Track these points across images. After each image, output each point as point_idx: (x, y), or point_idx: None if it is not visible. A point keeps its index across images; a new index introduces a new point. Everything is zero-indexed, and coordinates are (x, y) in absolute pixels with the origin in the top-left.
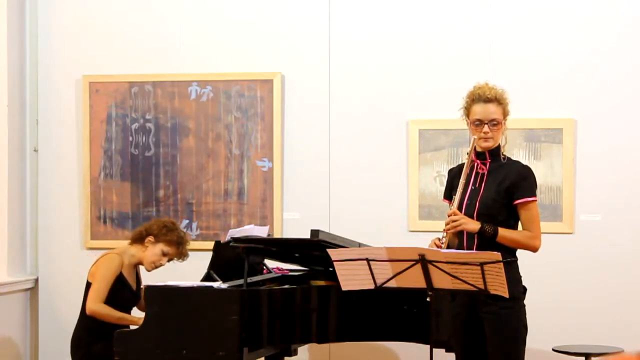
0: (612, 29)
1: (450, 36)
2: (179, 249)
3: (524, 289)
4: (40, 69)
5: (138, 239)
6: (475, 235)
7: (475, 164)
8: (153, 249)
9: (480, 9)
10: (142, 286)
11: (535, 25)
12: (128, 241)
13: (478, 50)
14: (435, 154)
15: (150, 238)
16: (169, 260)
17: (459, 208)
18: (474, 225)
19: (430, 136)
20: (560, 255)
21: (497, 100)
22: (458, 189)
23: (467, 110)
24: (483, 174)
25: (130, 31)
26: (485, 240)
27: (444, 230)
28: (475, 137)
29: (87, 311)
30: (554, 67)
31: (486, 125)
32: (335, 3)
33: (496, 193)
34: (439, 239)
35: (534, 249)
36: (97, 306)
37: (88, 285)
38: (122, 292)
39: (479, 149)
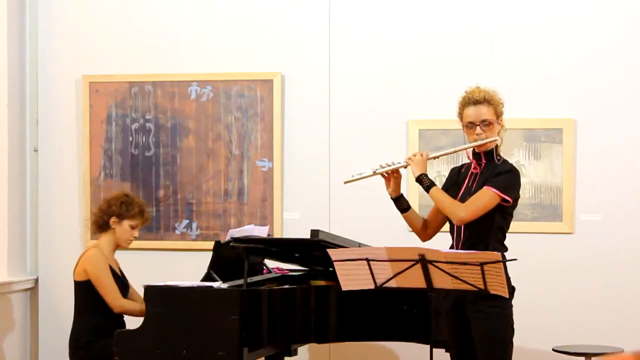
0: (612, 29)
1: (450, 36)
2: (143, 217)
3: (512, 289)
4: (40, 69)
5: (103, 226)
6: (462, 231)
7: (471, 165)
8: (121, 228)
9: (480, 8)
10: (146, 288)
11: (535, 25)
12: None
13: (478, 50)
14: None
15: (114, 219)
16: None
17: None
18: (418, 170)
19: (430, 136)
20: (560, 255)
21: (487, 101)
22: None
23: (460, 115)
24: (476, 174)
25: (130, 31)
26: (471, 237)
27: (407, 158)
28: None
29: (117, 310)
30: (554, 67)
31: (478, 127)
32: (335, 3)
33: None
34: (392, 163)
35: (457, 218)
36: (123, 302)
37: (78, 285)
38: (115, 282)
39: (477, 150)
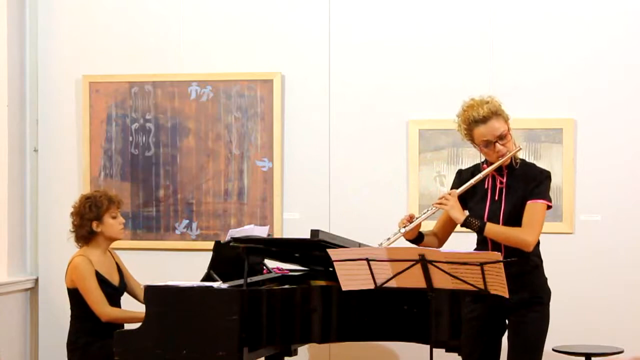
0: (612, 29)
1: (450, 36)
2: (114, 203)
3: (549, 292)
4: (40, 69)
5: (89, 236)
6: (502, 245)
7: (492, 176)
8: (106, 226)
9: (480, 9)
10: (142, 286)
11: (535, 25)
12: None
13: (478, 50)
14: (435, 154)
15: (95, 223)
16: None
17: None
18: (459, 214)
19: (430, 136)
20: (560, 255)
21: (494, 113)
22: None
23: (470, 136)
24: (502, 188)
25: (130, 31)
26: (511, 250)
27: (432, 204)
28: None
29: (104, 319)
30: (554, 67)
31: (497, 144)
32: (335, 3)
33: (518, 206)
34: (411, 217)
35: (525, 245)
36: (109, 311)
37: (70, 292)
38: (103, 289)
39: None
